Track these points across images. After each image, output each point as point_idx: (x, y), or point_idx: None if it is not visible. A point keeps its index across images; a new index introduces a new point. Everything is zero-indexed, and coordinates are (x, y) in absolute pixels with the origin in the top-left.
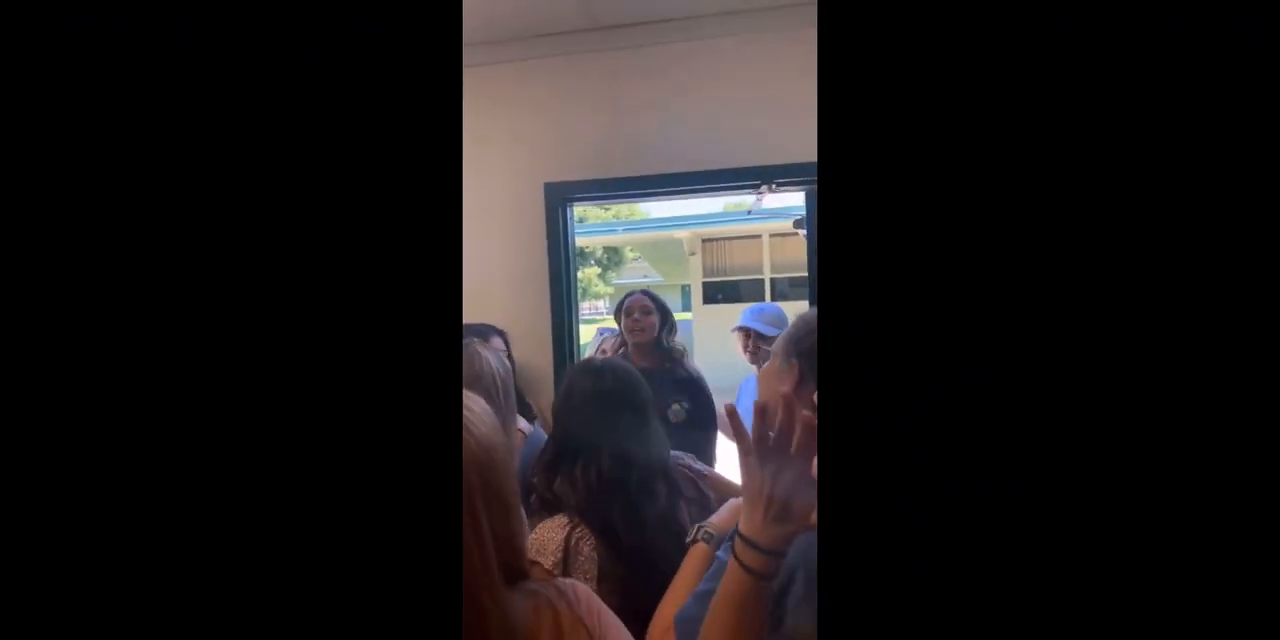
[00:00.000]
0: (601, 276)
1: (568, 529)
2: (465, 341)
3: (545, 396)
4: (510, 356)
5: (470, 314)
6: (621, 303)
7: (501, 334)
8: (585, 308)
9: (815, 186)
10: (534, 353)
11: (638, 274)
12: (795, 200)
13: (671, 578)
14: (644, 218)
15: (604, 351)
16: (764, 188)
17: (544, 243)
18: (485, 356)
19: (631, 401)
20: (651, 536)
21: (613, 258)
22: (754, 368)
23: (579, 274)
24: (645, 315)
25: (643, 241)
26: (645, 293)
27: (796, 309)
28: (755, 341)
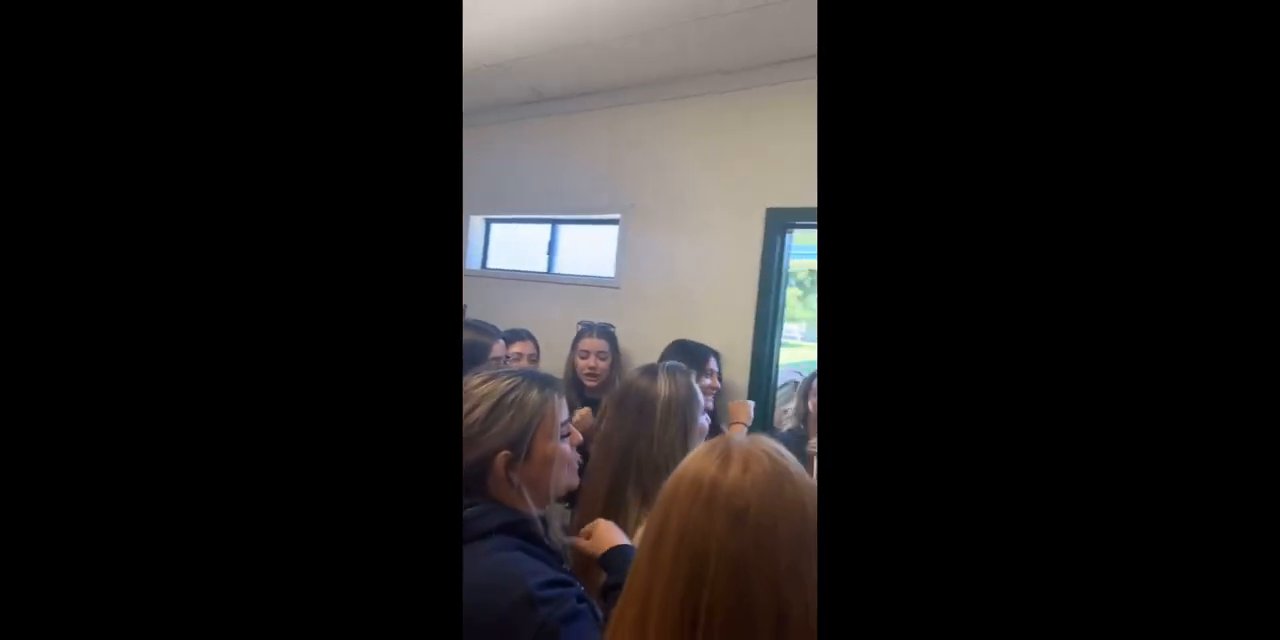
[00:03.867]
0: (801, 300)
1: None
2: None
3: None
4: (720, 377)
5: (680, 332)
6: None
7: (716, 355)
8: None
9: None
10: (734, 374)
11: None
12: None
13: None
14: None
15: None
16: None
17: (758, 267)
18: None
19: None
20: None
21: (815, 282)
22: None
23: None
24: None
25: None
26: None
27: None
28: None
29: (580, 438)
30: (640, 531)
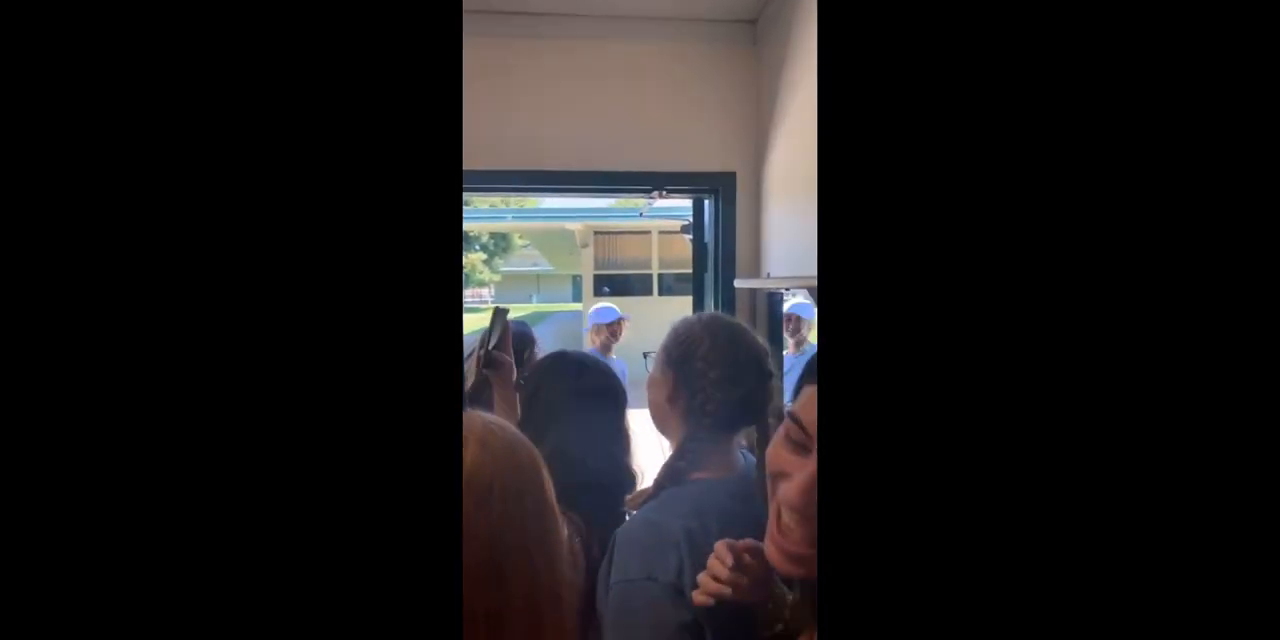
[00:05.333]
0: (487, 263)
1: None
2: None
3: None
4: None
5: None
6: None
7: None
8: (469, 295)
9: (701, 194)
10: None
11: (527, 262)
12: (684, 202)
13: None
14: (535, 206)
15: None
16: (655, 193)
17: None
18: None
19: (612, 399)
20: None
21: (500, 244)
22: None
23: (462, 259)
24: None
25: (534, 230)
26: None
27: (681, 303)
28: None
29: None
30: None
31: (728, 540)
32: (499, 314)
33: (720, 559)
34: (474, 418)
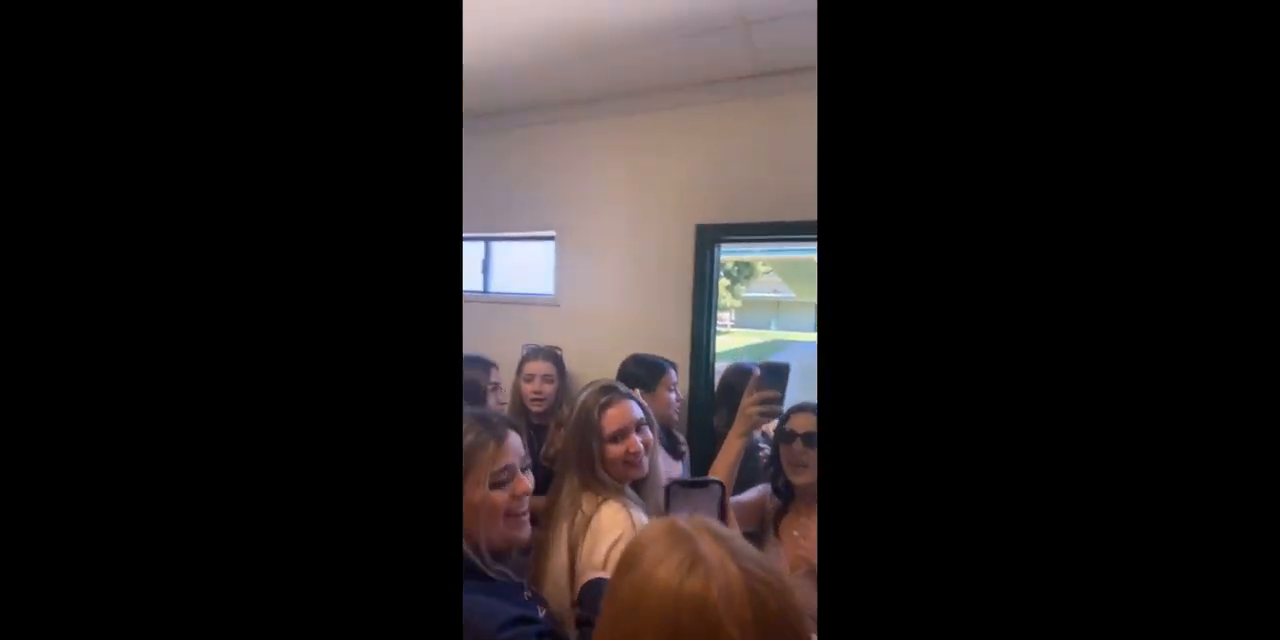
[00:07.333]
0: (730, 289)
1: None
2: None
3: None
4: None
5: (618, 342)
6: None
7: (673, 365)
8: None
9: None
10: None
11: (768, 288)
12: None
13: None
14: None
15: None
16: None
17: (690, 279)
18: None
19: None
20: None
21: (744, 271)
22: None
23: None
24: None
25: (779, 260)
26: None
27: None
28: None
29: (528, 486)
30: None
31: None
32: (784, 372)
33: None
34: (713, 549)
